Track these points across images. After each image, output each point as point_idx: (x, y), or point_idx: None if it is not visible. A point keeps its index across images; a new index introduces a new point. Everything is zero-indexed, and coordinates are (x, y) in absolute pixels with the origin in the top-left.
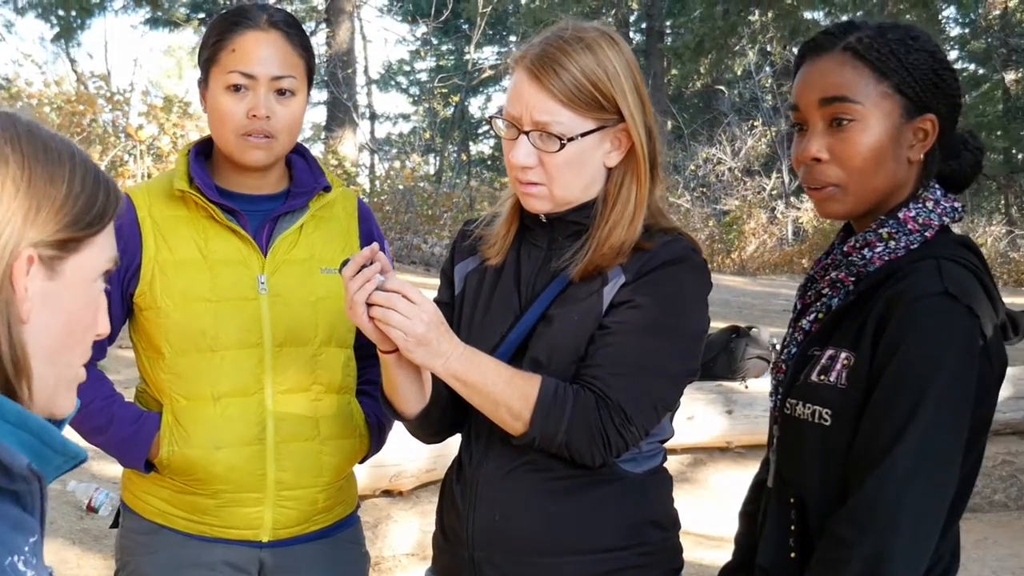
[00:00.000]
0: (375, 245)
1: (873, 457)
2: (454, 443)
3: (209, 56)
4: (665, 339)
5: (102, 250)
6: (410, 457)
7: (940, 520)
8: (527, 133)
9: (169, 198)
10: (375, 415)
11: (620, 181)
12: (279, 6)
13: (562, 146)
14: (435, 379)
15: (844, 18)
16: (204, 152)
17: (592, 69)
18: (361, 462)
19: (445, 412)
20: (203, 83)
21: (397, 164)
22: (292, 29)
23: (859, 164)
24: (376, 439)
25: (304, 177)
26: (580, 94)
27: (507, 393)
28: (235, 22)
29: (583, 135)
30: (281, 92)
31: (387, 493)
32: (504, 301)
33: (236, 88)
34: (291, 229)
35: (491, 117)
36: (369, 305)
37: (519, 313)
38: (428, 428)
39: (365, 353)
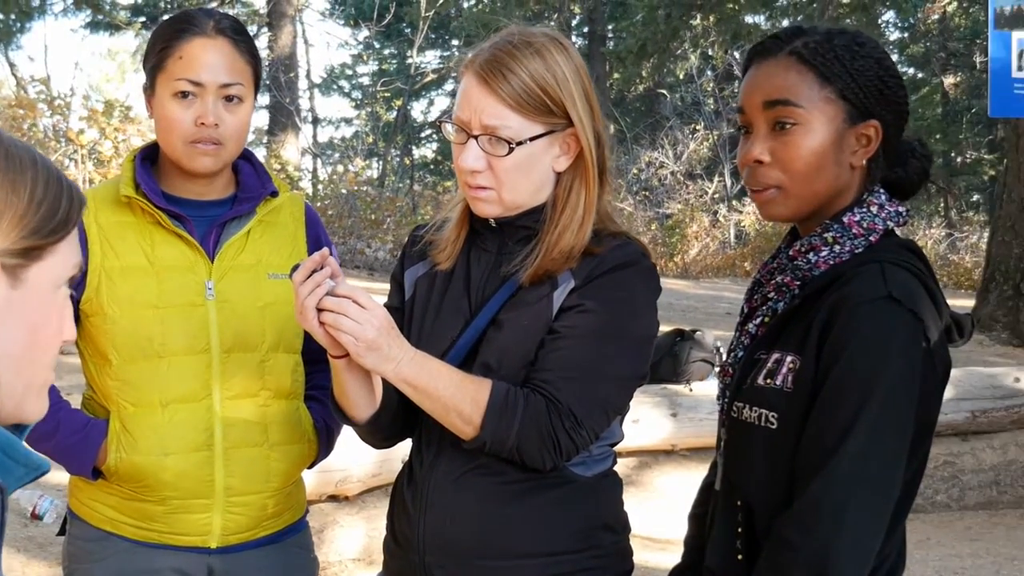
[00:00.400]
0: (325, 250)
1: (818, 460)
2: (401, 448)
3: (156, 63)
4: (614, 343)
5: (66, 257)
6: (356, 462)
7: (884, 521)
8: (476, 137)
9: (115, 204)
10: (323, 420)
11: (569, 186)
12: (221, 10)
13: (511, 150)
14: (386, 384)
15: (785, 22)
16: (150, 157)
17: (541, 74)
18: (310, 467)
19: (396, 417)
20: (149, 89)
21: (340, 168)
22: (239, 36)
23: (800, 167)
24: (324, 444)
25: (251, 182)
26: (529, 99)
27: (457, 398)
28: (182, 28)
29: (532, 139)
30: (229, 99)
31: (333, 498)
32: (454, 306)
33: (184, 95)
34: (238, 235)
35: (440, 121)
36: (319, 310)
37: (469, 318)
38: (379, 433)
39: (313, 358)
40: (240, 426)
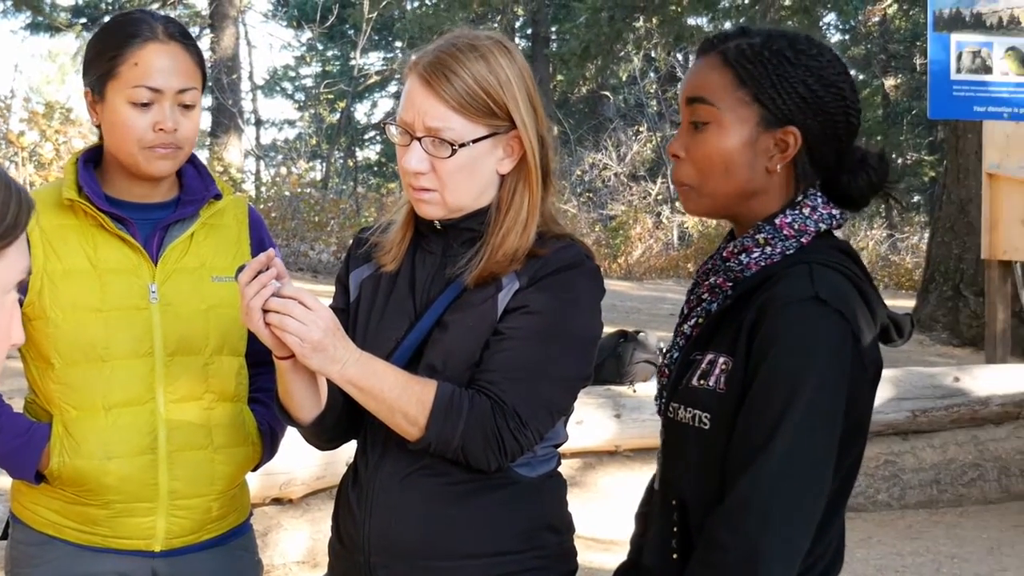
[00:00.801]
0: (271, 251)
1: (746, 459)
2: (345, 451)
3: (107, 70)
4: (559, 344)
5: (15, 261)
6: (300, 465)
7: (814, 519)
8: (419, 139)
9: (57, 207)
10: (267, 423)
11: (513, 188)
12: (162, 11)
13: (453, 152)
14: (331, 385)
15: (728, 24)
16: (92, 160)
17: (484, 76)
18: (254, 470)
19: (340, 419)
20: (98, 95)
21: (284, 170)
22: (188, 40)
23: (707, 167)
24: (269, 447)
25: (194, 185)
26: (472, 101)
27: (403, 399)
28: (132, 34)
29: (475, 141)
30: (184, 104)
31: (277, 501)
32: (399, 308)
33: (143, 103)
34: (181, 238)
35: (384, 123)
36: (265, 311)
37: (414, 319)
38: (323, 435)
39: (257, 360)
40: (184, 429)
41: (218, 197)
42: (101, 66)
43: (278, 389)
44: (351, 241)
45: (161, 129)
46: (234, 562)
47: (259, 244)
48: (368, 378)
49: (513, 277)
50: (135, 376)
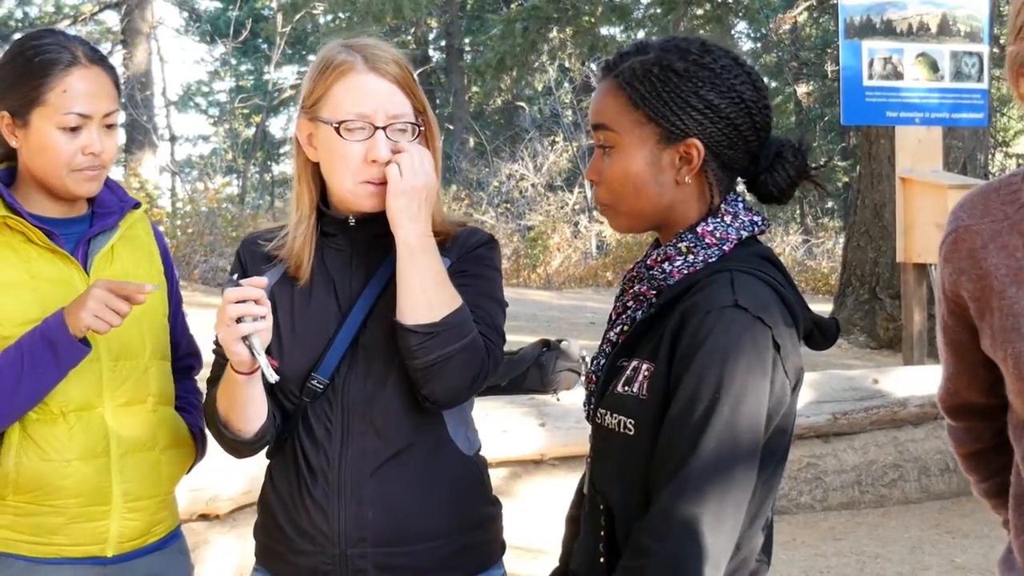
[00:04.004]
0: (265, 280)
1: (670, 466)
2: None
3: (34, 96)
4: (494, 304)
5: None
6: (226, 480)
7: (737, 524)
8: (384, 128)
9: None
10: (196, 425)
11: None
12: (73, 28)
13: (419, 134)
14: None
15: (641, 34)
16: (2, 180)
17: (407, 64)
18: (188, 471)
19: (274, 428)
20: (20, 120)
21: (200, 186)
22: (106, 62)
23: (618, 189)
24: (201, 447)
25: (107, 198)
26: (411, 84)
27: (441, 286)
28: (55, 60)
29: (419, 124)
30: (109, 126)
31: (204, 517)
32: (322, 308)
33: (73, 128)
34: (104, 249)
35: (339, 124)
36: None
37: (341, 317)
38: (259, 444)
39: (173, 368)
40: (132, 432)
41: (137, 206)
42: (25, 92)
43: (221, 404)
44: (240, 246)
45: (91, 152)
46: (176, 565)
47: (165, 255)
48: (427, 247)
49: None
50: (84, 382)
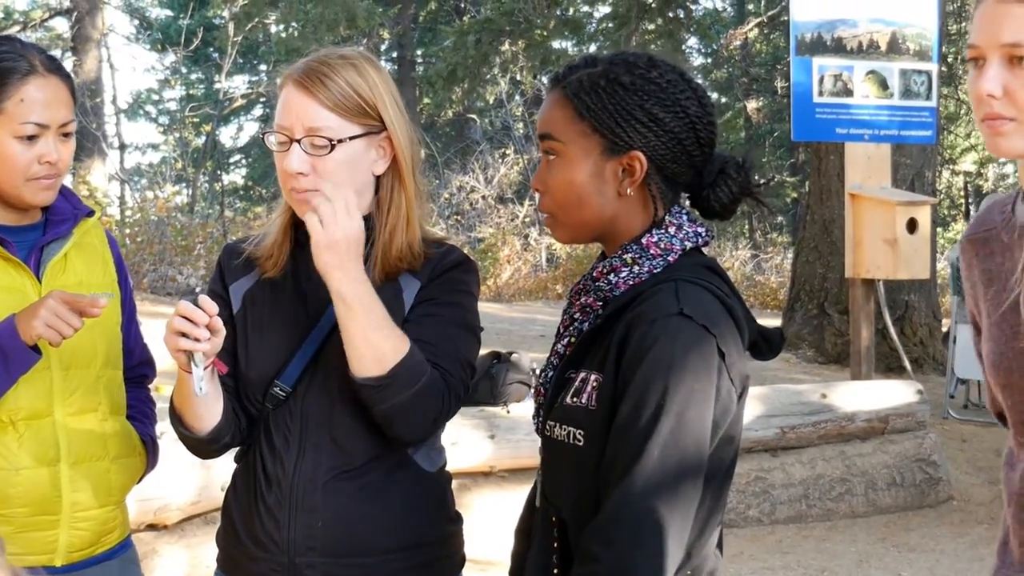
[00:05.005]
0: (215, 308)
1: (616, 474)
2: (221, 475)
3: None
4: (466, 333)
5: None
6: (175, 490)
7: (684, 532)
8: (299, 141)
9: None
10: (147, 434)
11: (390, 187)
12: (22, 34)
13: (332, 147)
14: (225, 398)
15: (593, 48)
16: None
17: (355, 80)
18: (138, 481)
19: (235, 429)
20: None
21: (150, 194)
22: (63, 71)
23: (560, 199)
24: (152, 457)
25: (61, 206)
26: (346, 101)
27: (383, 334)
28: (11, 69)
29: (351, 138)
30: (65, 135)
31: (152, 527)
32: (289, 317)
33: (29, 137)
34: (57, 257)
35: (263, 132)
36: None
37: (308, 328)
38: (216, 445)
39: (124, 377)
40: (82, 441)
41: (91, 214)
42: None
43: (176, 399)
44: (221, 253)
45: (48, 161)
46: (126, 574)
47: (119, 262)
48: (362, 297)
49: (410, 277)
50: (35, 390)
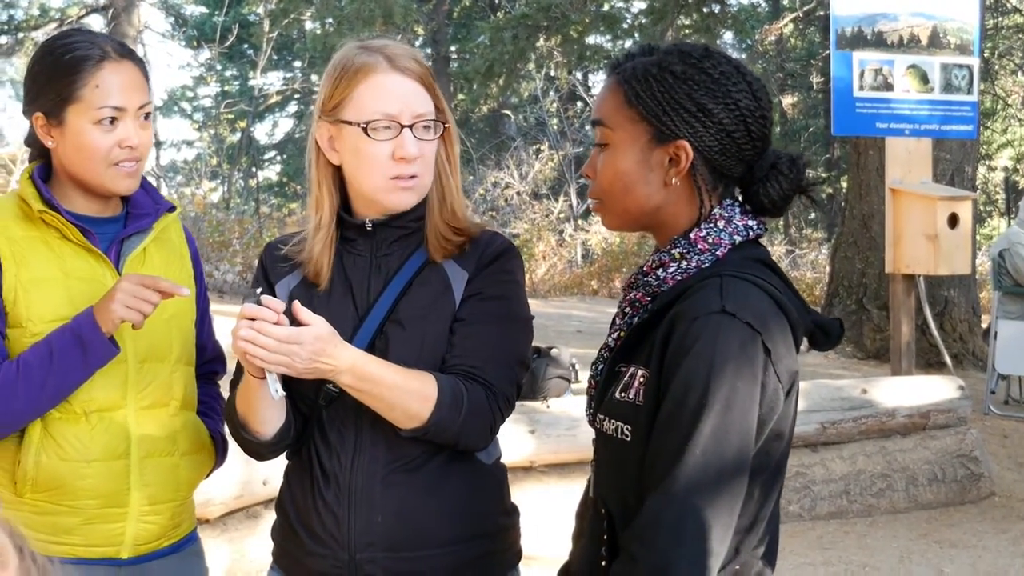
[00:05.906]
0: (281, 305)
1: (658, 473)
2: (261, 470)
3: (67, 95)
4: (515, 325)
5: None
6: (217, 485)
7: (727, 531)
8: (411, 127)
9: (23, 219)
10: (217, 431)
11: (445, 165)
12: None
13: (444, 130)
14: (289, 402)
15: (629, 43)
16: (41, 177)
17: (426, 64)
18: (207, 476)
19: (293, 429)
20: (54, 119)
21: (185, 191)
22: (136, 56)
23: (607, 186)
24: (221, 453)
25: (141, 200)
26: (430, 85)
27: (404, 397)
28: (86, 56)
29: (444, 122)
30: (145, 116)
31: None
32: (340, 311)
33: (110, 121)
34: (137, 250)
35: (366, 125)
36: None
37: (358, 322)
38: (278, 447)
39: (196, 374)
40: (154, 435)
41: (172, 210)
42: (58, 91)
43: (239, 406)
44: (263, 252)
45: (128, 145)
46: (190, 568)
47: (195, 258)
48: (364, 380)
49: (456, 268)
50: (109, 383)
